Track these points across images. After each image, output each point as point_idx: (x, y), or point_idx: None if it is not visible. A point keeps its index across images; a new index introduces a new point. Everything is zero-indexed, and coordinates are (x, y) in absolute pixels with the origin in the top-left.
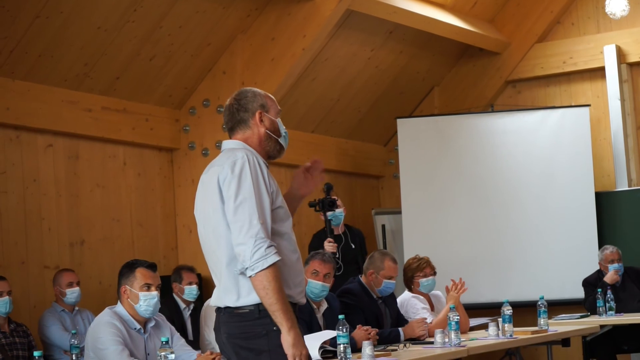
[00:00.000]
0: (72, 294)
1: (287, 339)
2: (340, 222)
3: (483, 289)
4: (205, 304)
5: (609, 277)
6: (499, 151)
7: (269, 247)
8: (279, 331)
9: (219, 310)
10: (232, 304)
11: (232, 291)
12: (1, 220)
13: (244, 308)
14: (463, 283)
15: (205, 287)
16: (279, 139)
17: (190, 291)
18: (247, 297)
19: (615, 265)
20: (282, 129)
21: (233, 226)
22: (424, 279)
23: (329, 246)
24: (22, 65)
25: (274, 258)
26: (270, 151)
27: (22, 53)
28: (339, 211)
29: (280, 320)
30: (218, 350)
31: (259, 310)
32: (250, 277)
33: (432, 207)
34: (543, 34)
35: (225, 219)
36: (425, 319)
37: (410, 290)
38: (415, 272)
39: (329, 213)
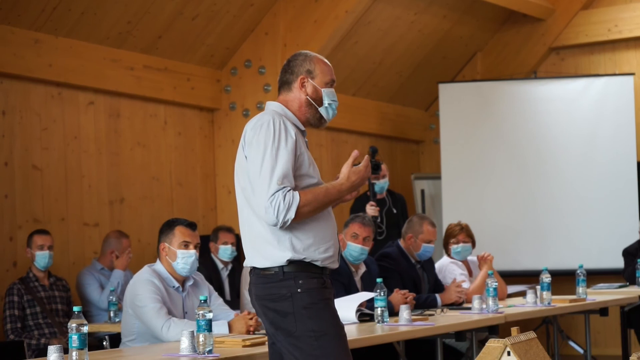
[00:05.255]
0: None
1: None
2: (384, 190)
3: (522, 256)
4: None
5: None
6: (541, 118)
7: (284, 196)
8: (302, 293)
9: (250, 271)
10: (258, 264)
11: (258, 252)
12: (42, 177)
13: (269, 269)
14: (489, 254)
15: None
16: (320, 109)
17: (225, 251)
18: (271, 259)
19: None
20: (328, 99)
21: (255, 188)
22: (455, 246)
23: (371, 209)
24: (65, 22)
25: (295, 202)
26: (310, 119)
27: (65, 10)
28: (383, 181)
29: (338, 193)
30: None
31: (283, 272)
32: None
33: (472, 173)
34: (588, 1)
35: (249, 179)
36: (463, 281)
37: (449, 255)
38: (449, 238)
39: (372, 177)
